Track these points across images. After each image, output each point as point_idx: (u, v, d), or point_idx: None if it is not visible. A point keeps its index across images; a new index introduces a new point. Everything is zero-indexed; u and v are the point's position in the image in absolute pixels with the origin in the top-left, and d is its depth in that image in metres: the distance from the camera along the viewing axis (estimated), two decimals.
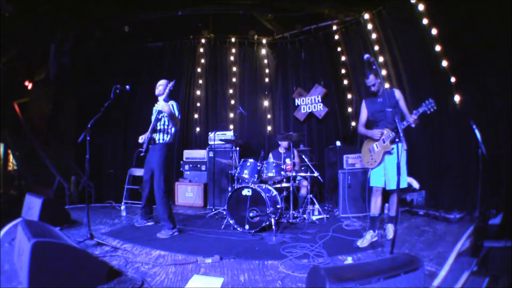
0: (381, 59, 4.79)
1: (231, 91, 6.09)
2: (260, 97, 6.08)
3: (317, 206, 4.19)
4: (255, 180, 3.79)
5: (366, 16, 5.04)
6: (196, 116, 6.12)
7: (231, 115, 6.02)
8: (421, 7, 4.18)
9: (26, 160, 5.04)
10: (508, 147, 3.25)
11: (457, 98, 3.87)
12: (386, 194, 3.07)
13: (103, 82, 4.79)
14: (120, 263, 2.38)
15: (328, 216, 4.11)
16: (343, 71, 5.60)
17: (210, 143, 5.32)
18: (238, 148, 5.00)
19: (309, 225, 3.72)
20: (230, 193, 3.60)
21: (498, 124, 3.42)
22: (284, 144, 4.75)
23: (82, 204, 4.93)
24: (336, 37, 5.61)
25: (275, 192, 3.83)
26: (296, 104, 5.91)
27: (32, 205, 3.37)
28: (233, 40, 6.13)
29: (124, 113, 5.86)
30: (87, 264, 1.95)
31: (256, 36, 6.08)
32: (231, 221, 3.55)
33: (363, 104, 3.16)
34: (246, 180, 3.85)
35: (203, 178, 5.42)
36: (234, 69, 6.14)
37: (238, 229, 3.48)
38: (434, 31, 4.06)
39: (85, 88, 5.34)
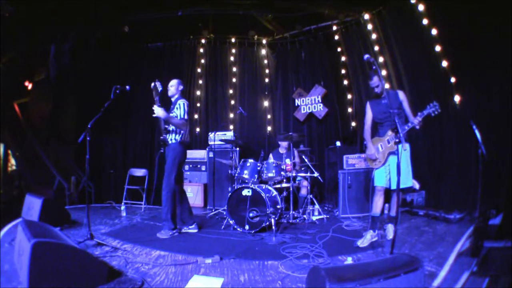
0: (381, 59, 4.79)
1: (231, 91, 6.09)
2: (260, 97, 6.08)
3: (317, 206, 4.18)
4: (255, 180, 3.79)
5: (366, 16, 5.05)
6: (196, 116, 6.12)
7: (231, 115, 6.02)
8: (421, 7, 4.18)
9: (26, 160, 5.04)
10: (508, 147, 3.25)
11: (457, 98, 3.87)
12: (387, 194, 3.08)
13: (103, 82, 4.79)
14: (120, 263, 2.38)
15: (328, 216, 4.11)
16: (343, 71, 5.60)
17: (210, 143, 5.33)
18: (238, 148, 5.00)
19: (309, 225, 3.72)
20: (230, 194, 3.60)
21: (498, 124, 3.42)
22: (284, 144, 4.75)
23: (82, 204, 4.93)
24: (336, 37, 5.61)
25: (275, 193, 3.83)
26: (296, 104, 5.91)
27: (32, 205, 3.37)
28: (233, 40, 6.13)
29: (124, 113, 5.85)
30: (87, 264, 1.95)
31: (256, 36, 6.08)
32: (231, 221, 3.55)
33: (368, 106, 3.18)
34: (246, 181, 3.85)
35: (203, 178, 5.42)
36: (234, 69, 6.14)
37: (238, 229, 3.48)
38: (434, 31, 4.06)
39: (85, 88, 5.34)
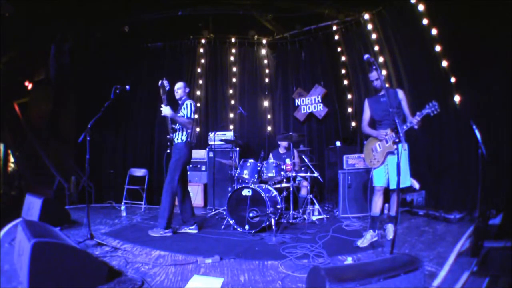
0: (381, 59, 4.79)
1: (231, 91, 6.09)
2: (260, 97, 6.08)
3: (317, 206, 4.19)
4: (255, 180, 3.79)
5: (366, 16, 5.05)
6: (196, 116, 6.10)
7: (231, 115, 6.02)
8: (421, 7, 4.18)
9: (26, 160, 5.04)
10: (508, 147, 3.25)
11: (457, 98, 3.87)
12: (386, 194, 3.07)
13: (103, 82, 4.79)
14: (120, 263, 2.38)
15: (328, 216, 4.11)
16: (343, 71, 5.60)
17: (210, 143, 5.33)
18: (238, 148, 5.00)
19: (309, 225, 3.72)
20: (230, 193, 3.60)
21: (498, 124, 3.42)
22: (284, 144, 4.75)
23: (82, 204, 4.93)
24: (336, 37, 5.61)
25: (275, 193, 3.83)
26: (296, 104, 5.91)
27: (32, 205, 3.37)
28: (233, 40, 6.13)
29: (124, 113, 5.86)
30: (87, 264, 1.95)
31: (256, 36, 6.08)
32: (231, 221, 3.55)
33: (366, 103, 3.15)
34: (246, 180, 3.85)
35: (203, 178, 5.42)
36: (234, 69, 6.14)
37: (238, 229, 3.48)
38: (434, 31, 4.06)
39: (85, 88, 5.34)
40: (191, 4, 5.31)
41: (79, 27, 5.02)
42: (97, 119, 3.01)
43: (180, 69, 6.13)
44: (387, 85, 3.14)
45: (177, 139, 3.45)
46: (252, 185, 3.54)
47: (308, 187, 4.26)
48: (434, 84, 4.14)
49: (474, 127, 2.70)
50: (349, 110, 5.50)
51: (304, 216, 4.01)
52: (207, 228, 3.66)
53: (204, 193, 5.28)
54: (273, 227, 3.17)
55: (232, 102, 6.06)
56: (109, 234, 3.32)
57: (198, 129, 6.08)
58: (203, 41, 6.17)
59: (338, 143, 4.73)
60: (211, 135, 5.32)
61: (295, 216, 3.95)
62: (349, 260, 2.42)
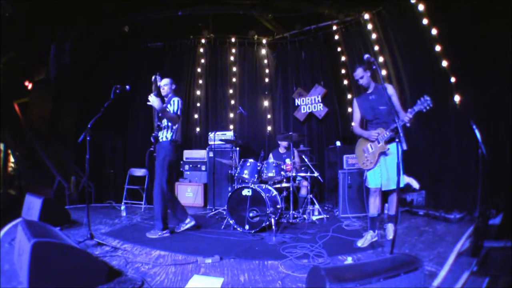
0: (381, 59, 4.79)
1: (231, 91, 6.09)
2: (260, 97, 6.08)
3: (317, 206, 4.19)
4: (255, 180, 3.79)
5: (366, 16, 5.05)
6: (196, 116, 6.12)
7: (231, 115, 6.02)
8: (421, 7, 4.18)
9: (26, 160, 5.04)
10: (508, 147, 3.25)
11: (457, 98, 3.87)
12: (385, 194, 3.06)
13: (103, 82, 4.79)
14: (120, 263, 2.38)
15: (328, 216, 4.11)
16: (343, 71, 5.60)
17: (210, 143, 5.32)
18: (238, 148, 5.00)
19: (309, 225, 3.72)
20: (230, 193, 3.60)
21: (498, 124, 3.42)
22: (284, 144, 4.75)
23: (82, 204, 4.93)
24: (336, 37, 5.61)
25: (275, 192, 3.83)
26: (296, 104, 5.91)
27: (32, 205, 3.37)
28: (233, 40, 6.13)
29: (124, 113, 5.85)
30: (87, 264, 1.95)
31: (256, 36, 6.08)
32: (231, 221, 3.55)
33: (355, 103, 3.06)
34: (246, 180, 3.85)
35: (203, 178, 5.42)
36: (234, 69, 6.14)
37: (238, 229, 3.48)
38: (434, 31, 4.06)
39: (85, 88, 5.34)
40: (191, 4, 5.31)
41: (79, 27, 5.02)
42: (97, 119, 3.01)
43: (180, 69, 6.13)
44: (373, 83, 2.99)
45: (162, 137, 3.37)
46: (252, 185, 3.54)
47: (308, 187, 4.26)
48: (434, 84, 4.14)
49: (474, 127, 2.70)
50: (349, 110, 5.49)
51: (304, 216, 4.01)
52: (207, 228, 3.66)
53: (204, 193, 5.28)
54: (273, 227, 3.17)
55: (232, 102, 6.06)
56: (109, 234, 3.32)
57: (198, 129, 6.08)
58: (203, 41, 6.17)
59: (338, 143, 4.73)
60: (211, 135, 5.32)
61: (295, 216, 3.95)
62: (349, 260, 2.42)
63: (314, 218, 3.98)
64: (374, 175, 2.90)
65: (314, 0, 5.24)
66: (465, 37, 3.67)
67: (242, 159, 4.00)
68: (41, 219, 3.08)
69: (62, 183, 5.00)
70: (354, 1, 5.07)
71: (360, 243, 2.82)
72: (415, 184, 4.12)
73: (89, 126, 2.92)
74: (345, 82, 5.58)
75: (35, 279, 1.72)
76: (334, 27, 5.60)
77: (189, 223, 3.49)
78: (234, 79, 6.13)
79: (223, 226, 3.67)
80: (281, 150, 4.80)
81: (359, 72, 2.90)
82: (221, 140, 4.97)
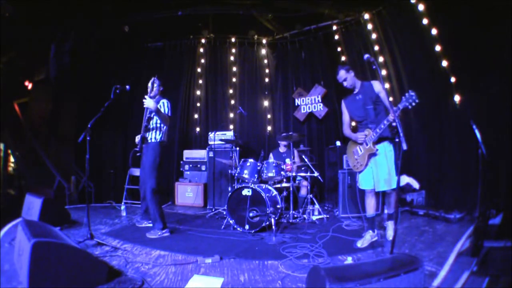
0: (381, 59, 4.79)
1: (231, 91, 6.09)
2: (260, 97, 6.08)
3: (317, 206, 4.19)
4: (255, 180, 3.79)
5: (366, 16, 5.05)
6: (196, 116, 6.12)
7: (231, 115, 6.02)
8: (421, 7, 4.18)
9: (26, 160, 5.04)
10: (508, 147, 3.25)
11: (457, 98, 3.87)
12: (384, 194, 3.06)
13: (103, 82, 4.79)
14: (120, 263, 2.38)
15: (328, 216, 4.11)
16: None
17: (210, 143, 5.32)
18: (238, 148, 5.00)
19: (309, 225, 3.72)
20: (230, 193, 3.60)
21: (498, 124, 3.42)
22: (284, 143, 4.75)
23: (82, 204, 4.93)
24: (336, 37, 5.61)
25: (275, 192, 3.83)
26: (296, 104, 5.91)
27: (32, 205, 3.37)
28: (233, 40, 6.13)
29: (124, 113, 5.85)
30: (87, 264, 1.95)
31: (256, 36, 6.08)
32: (231, 221, 3.55)
33: (343, 105, 3.02)
34: (246, 180, 3.85)
35: (203, 178, 5.42)
36: (234, 69, 6.14)
37: (238, 229, 3.48)
38: (434, 31, 4.06)
39: (85, 88, 5.34)
40: (191, 4, 5.31)
41: (79, 27, 5.02)
42: (97, 119, 3.01)
43: (180, 69, 6.13)
44: (359, 82, 2.93)
45: (151, 138, 3.41)
46: (252, 185, 3.54)
47: (308, 187, 4.26)
48: (434, 84, 4.14)
49: (474, 127, 2.70)
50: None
51: (304, 216, 4.01)
52: (207, 228, 3.66)
53: (204, 193, 5.28)
54: (273, 227, 3.17)
55: (232, 102, 6.06)
56: (109, 234, 3.32)
57: (198, 129, 6.08)
58: (203, 41, 6.17)
59: (338, 143, 4.73)
60: (211, 135, 5.32)
61: (295, 216, 3.95)
62: (349, 260, 2.42)
63: (314, 218, 3.98)
64: (365, 176, 2.89)
65: (314, 0, 5.24)
66: (465, 37, 3.67)
67: (242, 159, 4.00)
68: (41, 219, 3.08)
69: (62, 183, 5.00)
70: (354, 1, 5.07)
71: (360, 243, 2.82)
72: (415, 184, 4.12)
73: (89, 126, 2.93)
74: None
75: (35, 279, 1.72)
76: (334, 27, 5.60)
77: (150, 223, 3.50)
78: (234, 79, 6.13)
79: (223, 226, 3.67)
80: (281, 149, 4.80)
81: (342, 74, 2.84)
82: (221, 140, 4.97)
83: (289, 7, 5.37)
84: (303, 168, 4.46)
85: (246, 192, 3.51)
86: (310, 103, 5.74)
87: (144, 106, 3.28)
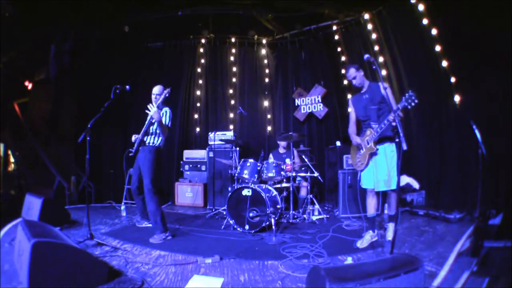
0: (381, 59, 4.79)
1: (231, 91, 6.09)
2: (260, 97, 6.08)
3: (317, 206, 4.18)
4: (255, 180, 3.79)
5: (366, 16, 5.05)
6: (196, 116, 6.12)
7: (231, 115, 6.02)
8: (421, 7, 4.18)
9: (26, 160, 5.04)
10: (508, 147, 3.25)
11: (457, 98, 3.87)
12: (384, 194, 3.06)
13: (103, 82, 4.79)
14: (120, 263, 2.38)
15: (328, 216, 4.11)
16: (343, 71, 5.59)
17: (210, 143, 5.32)
18: (238, 148, 5.00)
19: (309, 225, 3.72)
20: (230, 193, 3.60)
21: (498, 124, 3.42)
22: (283, 144, 4.75)
23: (82, 204, 4.93)
24: (336, 37, 5.61)
25: (275, 192, 3.83)
26: (296, 104, 5.90)
27: (32, 205, 3.37)
28: (233, 40, 6.13)
29: (124, 113, 5.85)
30: (87, 264, 1.95)
31: (256, 36, 6.08)
32: (231, 221, 3.55)
33: (350, 103, 3.08)
34: (246, 180, 3.85)
35: (203, 178, 5.42)
36: (234, 69, 6.14)
37: (238, 229, 3.48)
38: (434, 31, 4.06)
39: (85, 88, 5.34)
40: (191, 4, 5.30)
41: (79, 27, 5.02)
42: (97, 119, 3.01)
43: (180, 69, 6.13)
44: (367, 81, 2.96)
45: (150, 142, 3.41)
46: (252, 185, 3.54)
47: (308, 187, 4.26)
48: (434, 84, 4.14)
49: (474, 127, 2.70)
50: (349, 110, 5.48)
51: (304, 216, 4.01)
52: (207, 228, 3.66)
53: (204, 193, 5.28)
54: (273, 227, 3.17)
55: (232, 102, 6.06)
56: (109, 234, 3.32)
57: (198, 129, 6.08)
58: (203, 41, 6.16)
59: (338, 143, 4.73)
60: (211, 135, 5.32)
61: (295, 216, 3.95)
62: (349, 260, 2.42)
63: (314, 218, 3.98)
64: (367, 175, 2.90)
65: (314, 0, 5.23)
66: (465, 37, 3.67)
67: (242, 159, 4.00)
68: (41, 219, 3.08)
69: (62, 183, 5.00)
70: (354, 1, 5.07)
71: (360, 243, 2.82)
72: (415, 184, 4.12)
73: (89, 126, 2.93)
74: (345, 82, 5.57)
75: (35, 279, 1.72)
76: (334, 27, 5.60)
77: (150, 223, 3.42)
78: (234, 79, 6.13)
79: (223, 226, 3.67)
80: (281, 150, 4.80)
81: (351, 72, 2.87)
82: (221, 140, 4.97)
83: (289, 7, 5.37)
84: (303, 168, 4.46)
85: (246, 192, 3.51)
86: (310, 103, 5.74)
87: (149, 115, 3.28)
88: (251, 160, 3.92)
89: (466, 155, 3.77)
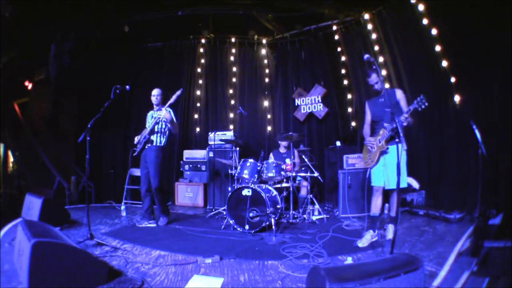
0: (381, 59, 4.79)
1: (231, 91, 6.09)
2: (260, 97, 6.08)
3: (317, 206, 4.18)
4: (255, 180, 3.79)
5: (366, 16, 5.05)
6: (196, 116, 6.12)
7: (231, 115, 6.02)
8: (421, 7, 4.18)
9: (26, 160, 5.04)
10: (508, 147, 3.25)
11: (457, 98, 3.87)
12: (386, 194, 3.07)
13: (103, 82, 4.79)
14: (120, 263, 2.38)
15: (328, 216, 4.10)
16: (343, 71, 5.60)
17: (210, 143, 5.32)
18: (238, 148, 5.00)
19: (309, 225, 3.72)
20: (230, 193, 3.60)
21: (498, 124, 3.42)
22: (283, 143, 4.75)
23: (82, 204, 4.93)
24: (336, 37, 5.61)
25: (275, 192, 3.83)
26: (296, 104, 5.90)
27: (32, 205, 3.37)
28: (233, 40, 6.13)
29: (124, 113, 5.85)
30: (87, 264, 1.95)
31: (256, 36, 6.08)
32: (231, 221, 3.55)
33: (366, 105, 3.19)
34: (246, 180, 3.84)
35: (203, 178, 5.42)
36: (234, 69, 6.14)
37: (238, 229, 3.48)
38: (434, 31, 4.06)
39: (85, 88, 5.34)
40: (191, 4, 5.31)
41: (79, 27, 5.02)
42: (97, 119, 3.01)
43: (180, 69, 6.13)
44: (386, 86, 3.13)
45: (157, 142, 3.74)
46: (252, 185, 3.54)
47: (308, 187, 4.26)
48: (434, 84, 4.14)
49: (474, 127, 2.70)
50: (349, 110, 5.50)
51: (304, 216, 4.01)
52: (207, 228, 3.65)
53: (204, 193, 5.28)
54: (273, 227, 3.17)
55: (232, 102, 6.06)
56: (109, 234, 3.32)
57: (198, 129, 6.08)
58: (203, 41, 6.16)
59: (338, 143, 4.73)
60: (211, 135, 5.32)
61: (295, 216, 3.95)
62: (349, 260, 2.42)
63: (314, 218, 3.98)
64: (377, 173, 2.96)
65: (314, 0, 5.24)
66: (465, 37, 3.67)
67: (242, 159, 4.00)
68: (41, 219, 3.08)
69: (62, 183, 5.00)
70: (354, 1, 5.07)
71: (360, 243, 2.82)
72: (415, 184, 4.12)
73: (89, 126, 2.93)
74: (345, 82, 5.58)
75: (35, 279, 1.72)
76: (334, 27, 5.60)
77: (150, 223, 3.79)
78: (234, 79, 6.13)
79: (223, 226, 3.67)
80: (281, 150, 4.80)
81: (374, 77, 2.99)
82: (221, 140, 4.97)
83: (289, 7, 5.37)
84: (303, 168, 4.46)
85: (246, 192, 3.51)
86: (310, 103, 5.74)
87: (161, 117, 3.63)
88: (251, 160, 3.92)
89: (466, 155, 3.77)
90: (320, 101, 5.65)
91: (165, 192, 3.86)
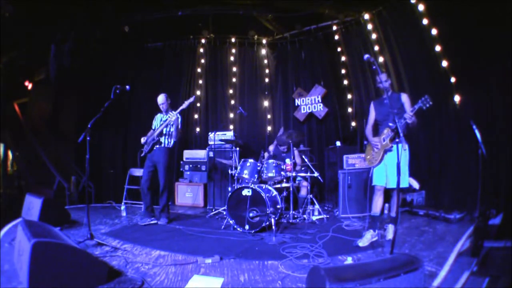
0: (381, 59, 4.79)
1: (231, 91, 6.09)
2: (260, 97, 6.08)
3: (317, 206, 4.18)
4: (255, 180, 3.79)
5: (366, 16, 5.05)
6: (196, 116, 6.12)
7: (231, 115, 6.02)
8: (421, 7, 4.18)
9: (26, 160, 5.04)
10: (508, 147, 3.25)
11: (457, 98, 3.87)
12: (387, 194, 3.07)
13: (103, 82, 4.79)
14: (120, 263, 2.38)
15: (328, 216, 4.10)
16: (343, 71, 5.60)
17: (210, 143, 5.32)
18: (238, 148, 5.00)
19: (309, 225, 3.72)
20: (230, 193, 3.60)
21: (498, 124, 3.42)
22: (282, 148, 4.75)
23: (82, 204, 4.93)
24: (336, 37, 5.61)
25: (275, 192, 3.83)
26: (296, 104, 5.90)
27: (32, 205, 3.37)
28: (233, 40, 6.13)
29: (124, 113, 5.85)
30: (87, 264, 1.95)
31: (256, 36, 6.08)
32: (231, 221, 3.55)
33: (371, 106, 3.22)
34: (246, 180, 3.85)
35: (203, 178, 5.42)
36: (234, 69, 6.14)
37: (238, 229, 3.48)
38: (434, 31, 4.06)
39: (85, 88, 5.34)
40: (191, 4, 5.30)
41: (79, 27, 5.01)
42: (97, 119, 3.01)
43: (180, 69, 6.13)
44: (391, 90, 3.16)
45: (165, 143, 3.91)
46: (252, 185, 3.54)
47: (308, 187, 4.26)
48: (434, 84, 4.14)
49: (474, 127, 2.70)
50: (349, 110, 5.50)
51: (304, 216, 4.01)
52: (207, 228, 3.66)
53: (204, 193, 5.28)
54: (273, 227, 3.17)
55: (232, 102, 6.06)
56: (109, 234, 3.32)
57: (198, 129, 6.08)
58: (203, 41, 6.16)
59: (338, 143, 4.73)
60: (211, 135, 5.32)
61: (295, 216, 3.95)
62: (349, 260, 2.42)
63: (314, 218, 3.98)
64: (379, 173, 2.97)
65: (314, 0, 5.23)
66: (465, 37, 3.67)
67: (242, 159, 4.00)
68: (41, 219, 3.08)
69: (62, 183, 5.00)
70: (354, 1, 5.07)
71: (361, 242, 2.82)
72: (415, 184, 4.12)
73: (89, 126, 2.92)
74: (345, 82, 5.58)
75: (35, 279, 1.72)
76: (334, 27, 5.60)
77: (153, 221, 3.91)
78: (234, 79, 6.13)
79: (223, 226, 3.67)
80: (281, 148, 4.79)
81: (383, 77, 3.03)
82: (221, 140, 4.97)
83: (289, 7, 5.37)
84: (303, 168, 4.46)
85: (246, 192, 3.51)
86: (310, 103, 5.74)
87: (166, 118, 3.83)
88: (251, 160, 3.92)
89: (466, 155, 3.77)
90: (320, 101, 5.65)
91: (168, 192, 3.97)
